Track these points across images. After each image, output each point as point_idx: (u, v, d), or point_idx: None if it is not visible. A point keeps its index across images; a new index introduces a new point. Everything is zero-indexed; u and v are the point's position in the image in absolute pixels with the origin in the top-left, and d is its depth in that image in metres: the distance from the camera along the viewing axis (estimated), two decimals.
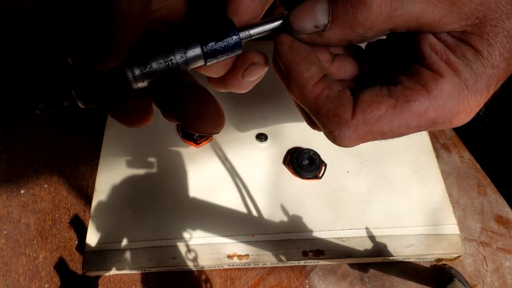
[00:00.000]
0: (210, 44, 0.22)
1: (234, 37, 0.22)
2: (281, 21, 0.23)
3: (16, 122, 0.50)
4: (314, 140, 0.45)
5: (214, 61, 0.23)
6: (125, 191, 0.42)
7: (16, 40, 0.45)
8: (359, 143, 0.23)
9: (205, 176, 0.43)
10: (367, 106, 0.22)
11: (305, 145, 0.45)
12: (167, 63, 0.22)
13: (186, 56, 0.22)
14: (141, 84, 0.22)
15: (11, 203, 0.45)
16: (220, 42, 0.22)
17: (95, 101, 0.22)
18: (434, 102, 0.22)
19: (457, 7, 0.21)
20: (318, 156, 0.44)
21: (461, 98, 0.22)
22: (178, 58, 0.22)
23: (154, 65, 0.22)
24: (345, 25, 0.21)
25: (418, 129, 0.23)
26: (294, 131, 0.47)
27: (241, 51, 0.23)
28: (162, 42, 0.22)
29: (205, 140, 0.45)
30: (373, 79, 0.26)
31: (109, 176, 0.43)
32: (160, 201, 0.41)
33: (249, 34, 0.23)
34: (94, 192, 0.42)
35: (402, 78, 0.23)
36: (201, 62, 0.23)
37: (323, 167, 0.44)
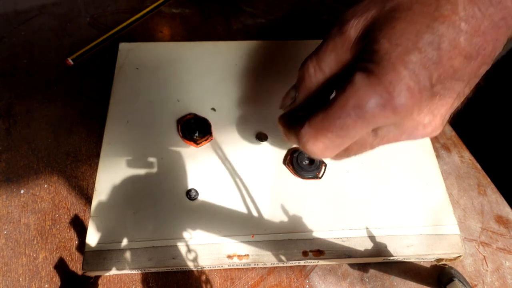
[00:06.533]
0: None
1: None
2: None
3: (16, 122, 0.50)
4: None
5: None
6: (125, 191, 0.42)
7: None
8: (321, 146, 0.28)
9: (205, 176, 0.43)
10: (314, 115, 0.28)
11: None
12: None
13: None
14: None
15: (11, 203, 0.45)
16: None
17: None
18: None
19: None
20: None
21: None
22: None
23: None
24: (305, 94, 0.32)
25: (365, 125, 0.27)
26: None
27: None
28: None
29: (205, 140, 0.45)
30: None
31: (109, 176, 0.43)
32: (160, 201, 0.41)
33: None
34: (94, 192, 0.42)
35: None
36: None
37: (323, 167, 0.44)
